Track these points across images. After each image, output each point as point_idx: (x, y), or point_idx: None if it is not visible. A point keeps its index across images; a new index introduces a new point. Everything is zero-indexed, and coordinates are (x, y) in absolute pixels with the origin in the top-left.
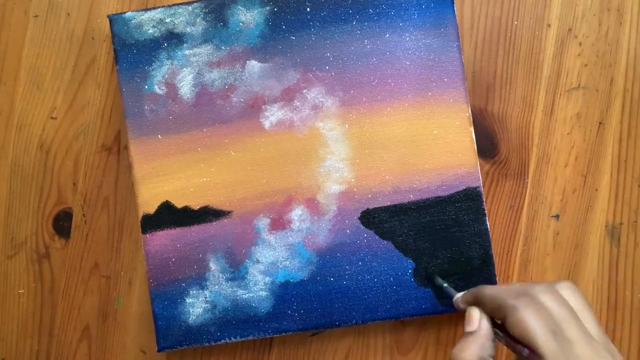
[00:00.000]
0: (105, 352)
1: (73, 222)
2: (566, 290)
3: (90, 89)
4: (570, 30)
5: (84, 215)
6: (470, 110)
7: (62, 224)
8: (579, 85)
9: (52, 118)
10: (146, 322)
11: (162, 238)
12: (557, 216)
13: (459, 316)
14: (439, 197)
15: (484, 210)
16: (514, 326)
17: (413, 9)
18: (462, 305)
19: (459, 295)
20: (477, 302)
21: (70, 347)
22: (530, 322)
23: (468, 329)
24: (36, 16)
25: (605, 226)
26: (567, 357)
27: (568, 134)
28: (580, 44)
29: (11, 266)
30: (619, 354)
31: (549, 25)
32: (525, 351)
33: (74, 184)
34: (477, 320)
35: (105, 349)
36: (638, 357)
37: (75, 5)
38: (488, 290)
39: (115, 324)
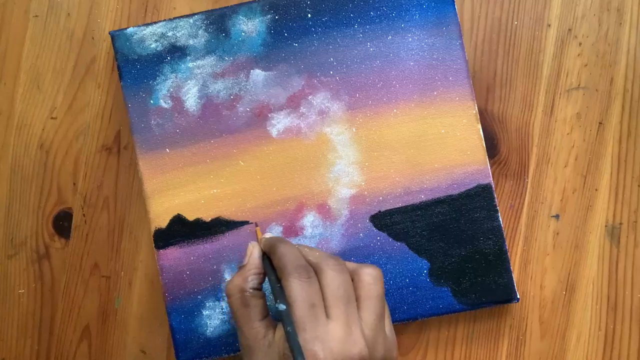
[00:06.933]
0: (105, 352)
1: (73, 222)
2: (366, 276)
3: (90, 89)
4: (570, 30)
5: (84, 215)
6: (476, 108)
7: (62, 224)
8: (579, 85)
9: (52, 118)
10: (146, 322)
11: (176, 252)
12: (557, 216)
13: (460, 316)
14: (450, 195)
15: (495, 206)
16: (285, 288)
17: (414, 9)
18: (261, 245)
19: (264, 236)
20: (270, 252)
21: (70, 347)
22: (293, 292)
23: (242, 262)
24: (36, 16)
25: (605, 226)
26: (315, 328)
27: (568, 134)
28: (580, 44)
29: (11, 266)
30: (392, 351)
31: (549, 25)
32: (282, 306)
33: (74, 184)
34: (248, 256)
35: (105, 349)
36: (638, 357)
37: (75, 5)
38: (282, 248)
39: (115, 324)
